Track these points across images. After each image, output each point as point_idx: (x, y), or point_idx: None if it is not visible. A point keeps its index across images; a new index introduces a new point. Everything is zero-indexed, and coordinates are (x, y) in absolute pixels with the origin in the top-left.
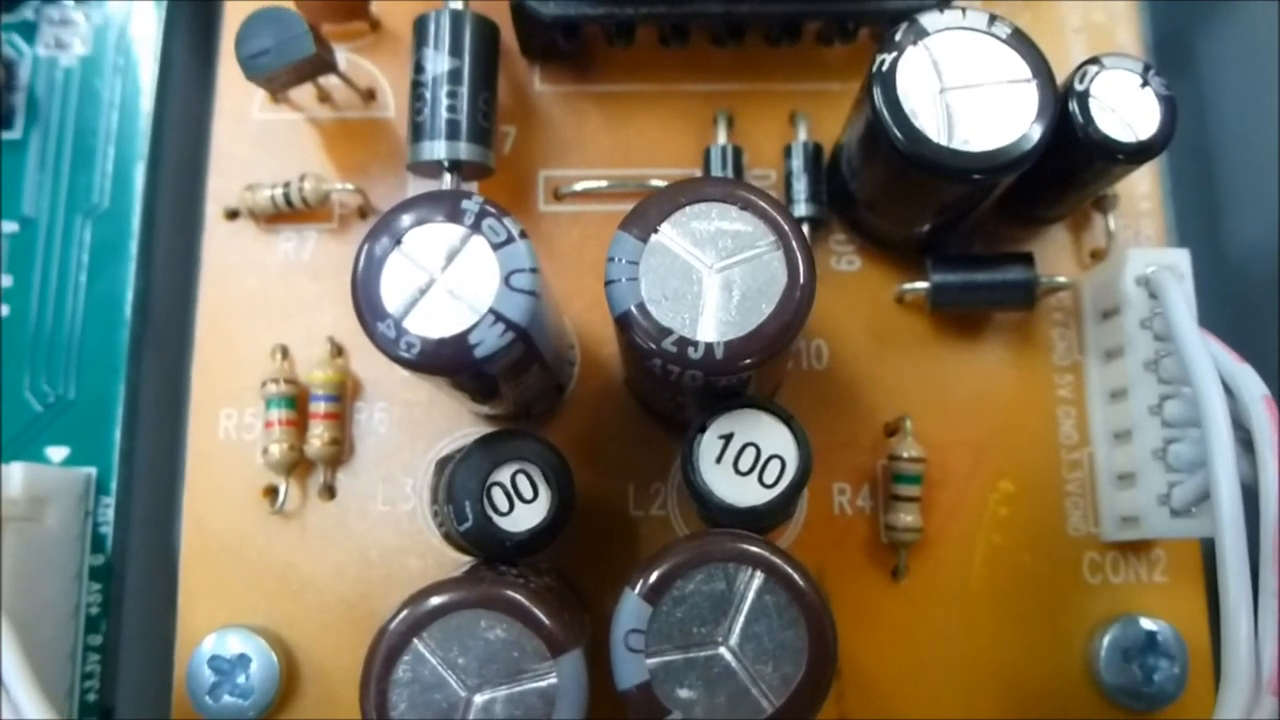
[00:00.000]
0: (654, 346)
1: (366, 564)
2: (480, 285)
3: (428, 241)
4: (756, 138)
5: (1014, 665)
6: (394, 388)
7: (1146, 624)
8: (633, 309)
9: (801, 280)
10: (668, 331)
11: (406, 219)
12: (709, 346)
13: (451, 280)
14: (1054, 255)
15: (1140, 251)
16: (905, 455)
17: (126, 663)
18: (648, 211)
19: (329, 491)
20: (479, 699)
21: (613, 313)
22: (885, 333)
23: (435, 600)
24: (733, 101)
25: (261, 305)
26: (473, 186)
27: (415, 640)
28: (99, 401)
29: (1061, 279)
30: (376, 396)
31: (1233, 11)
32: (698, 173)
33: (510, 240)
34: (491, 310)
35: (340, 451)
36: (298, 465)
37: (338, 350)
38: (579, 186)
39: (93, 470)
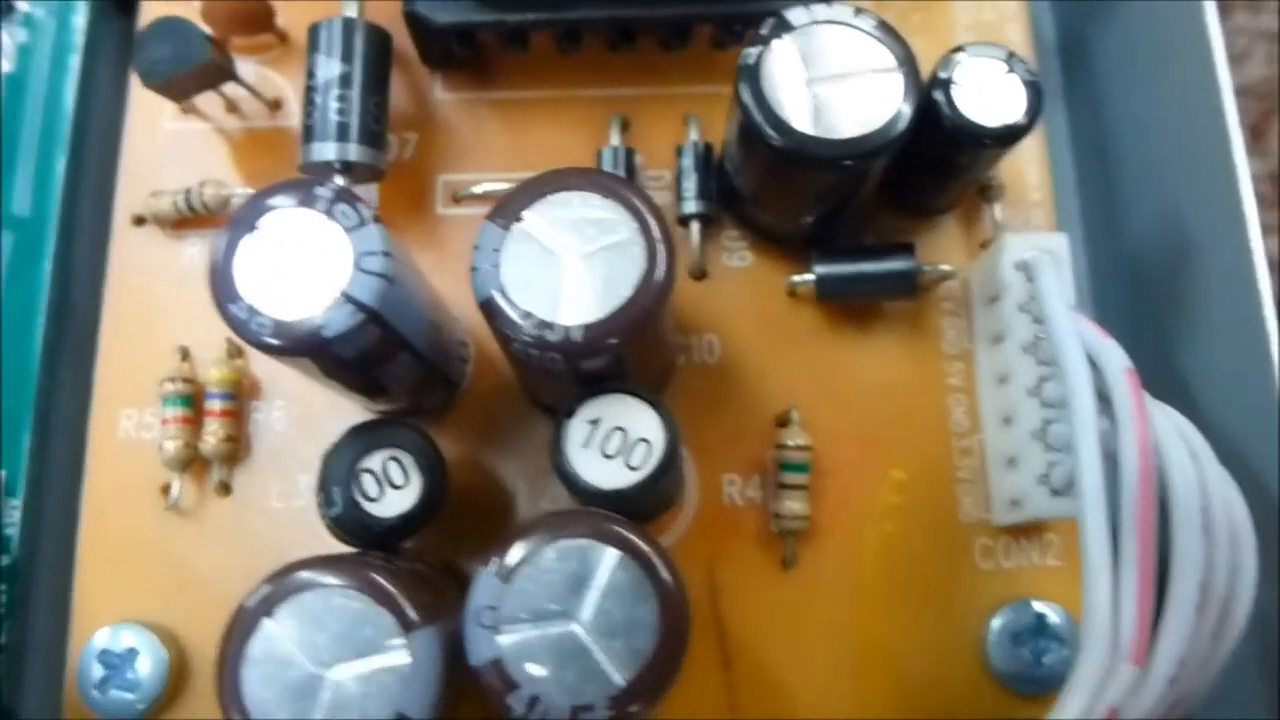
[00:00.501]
0: (514, 331)
1: (260, 559)
2: (332, 268)
3: (283, 227)
4: (652, 140)
5: (907, 651)
6: (292, 387)
7: (1037, 607)
8: (494, 294)
9: (660, 266)
10: (527, 315)
11: (262, 206)
12: (567, 330)
13: (305, 263)
14: (946, 246)
15: (1018, 237)
16: (791, 444)
17: (31, 663)
18: (512, 201)
19: (225, 488)
20: (331, 675)
21: (476, 299)
22: (777, 326)
23: (290, 578)
24: (629, 106)
25: (166, 308)
26: (371, 189)
27: (267, 618)
28: (10, 406)
29: (945, 267)
30: (274, 395)
31: (1122, 11)
32: None
33: (362, 224)
34: (342, 292)
35: (235, 449)
36: (192, 462)
37: (237, 351)
38: (476, 190)
39: (1, 473)
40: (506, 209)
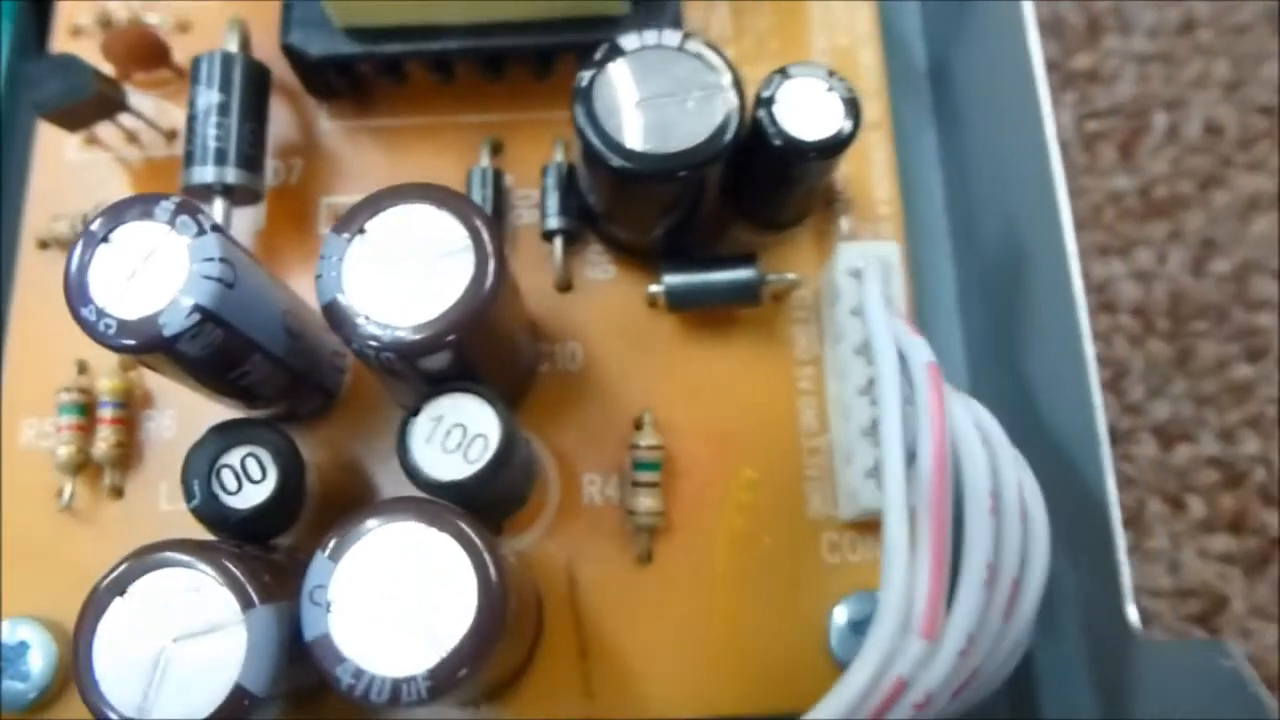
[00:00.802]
0: (353, 332)
1: None
2: (173, 273)
3: (132, 238)
4: (525, 162)
5: (756, 641)
6: (182, 398)
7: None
8: (336, 298)
9: (489, 273)
10: (366, 318)
11: (113, 219)
12: (401, 330)
13: (151, 270)
14: (800, 257)
15: (853, 245)
16: (644, 444)
17: None
18: (355, 213)
19: (117, 492)
20: (176, 650)
21: (319, 303)
22: (637, 335)
23: (141, 560)
24: (503, 130)
25: (66, 325)
26: (257, 213)
27: (119, 596)
28: None
29: (791, 276)
30: (165, 405)
31: (974, 41)
32: None
33: (202, 233)
34: (179, 293)
35: (126, 454)
36: (85, 467)
37: (131, 364)
38: None
39: None
40: (349, 221)
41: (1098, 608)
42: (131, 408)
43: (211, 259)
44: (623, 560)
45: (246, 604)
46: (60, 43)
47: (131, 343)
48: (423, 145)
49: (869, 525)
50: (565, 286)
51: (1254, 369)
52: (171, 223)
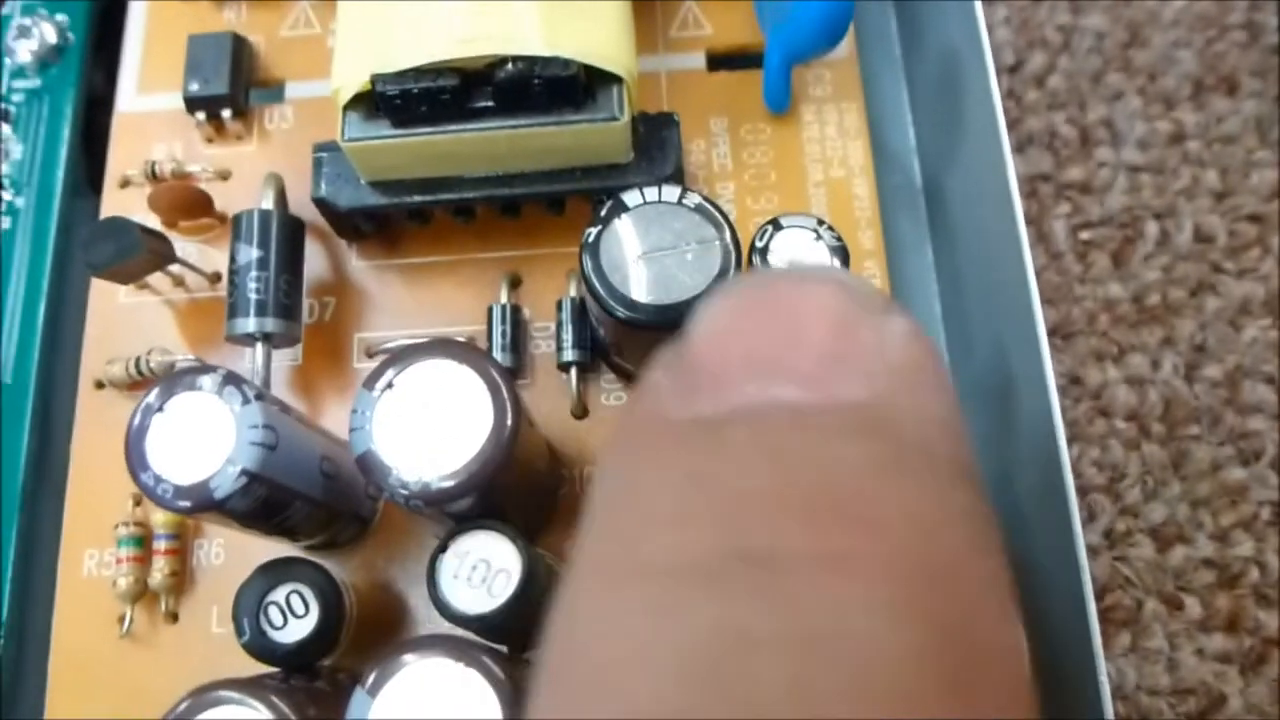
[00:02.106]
0: (385, 483)
1: (202, 677)
2: (221, 440)
3: (184, 407)
4: (541, 296)
5: None
6: (229, 529)
7: None
8: (369, 450)
9: (508, 423)
10: (395, 470)
11: (167, 391)
12: (425, 483)
13: (201, 437)
14: None
15: None
16: None
17: None
18: (384, 371)
19: (173, 617)
20: None
21: (354, 455)
22: None
23: (199, 698)
24: (521, 264)
25: (122, 462)
26: (295, 350)
27: None
28: None
29: None
30: (215, 535)
31: (962, 162)
32: (483, 327)
33: (247, 402)
34: (228, 460)
35: (180, 582)
36: (143, 595)
37: None
38: (386, 346)
39: None
40: (378, 377)
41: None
42: (184, 538)
43: (255, 426)
44: None
45: None
46: (110, 195)
47: (187, 504)
48: (446, 281)
49: None
50: (581, 414)
51: (1247, 472)
52: (219, 393)
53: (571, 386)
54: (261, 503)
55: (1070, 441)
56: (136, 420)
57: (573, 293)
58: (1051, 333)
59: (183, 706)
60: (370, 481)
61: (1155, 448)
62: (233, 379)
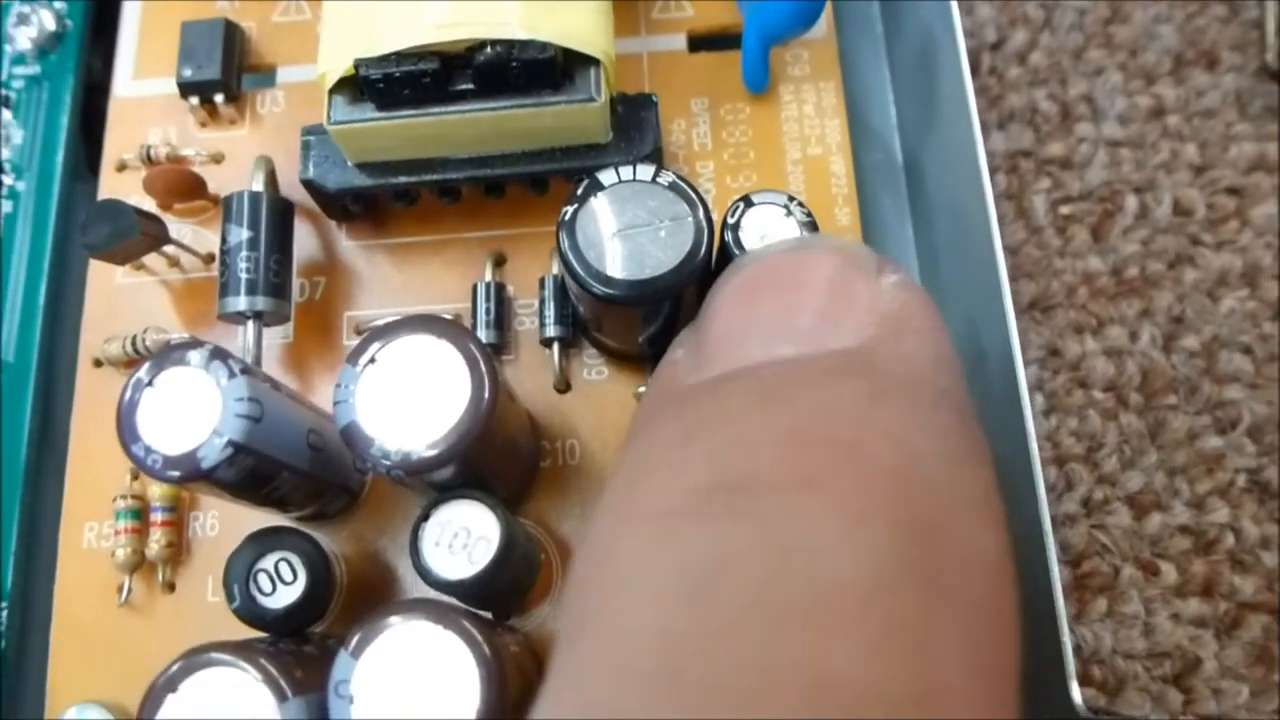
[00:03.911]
0: (367, 454)
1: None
2: (209, 412)
3: (173, 382)
4: (525, 274)
5: None
6: (223, 502)
7: None
8: (352, 422)
9: (485, 396)
10: (377, 441)
11: (156, 366)
12: (406, 454)
13: (189, 410)
14: None
15: None
16: None
17: None
18: (367, 346)
19: (170, 587)
20: None
21: (337, 427)
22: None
23: (190, 660)
24: (505, 244)
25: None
26: (286, 328)
27: (170, 693)
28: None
29: None
30: (209, 507)
31: (940, 137)
32: (468, 305)
33: (233, 376)
34: (215, 431)
35: (177, 553)
36: (140, 566)
37: None
38: (374, 324)
39: None
40: (361, 352)
41: (1046, 689)
42: (180, 510)
43: (241, 399)
44: None
45: (281, 697)
46: (107, 178)
47: (175, 474)
48: (433, 260)
49: None
50: (564, 388)
51: (1224, 440)
52: (206, 367)
53: (554, 361)
54: (249, 473)
55: (1049, 412)
56: (128, 394)
57: (555, 270)
58: (1031, 305)
59: (175, 668)
60: (354, 453)
61: (1133, 417)
62: (219, 354)
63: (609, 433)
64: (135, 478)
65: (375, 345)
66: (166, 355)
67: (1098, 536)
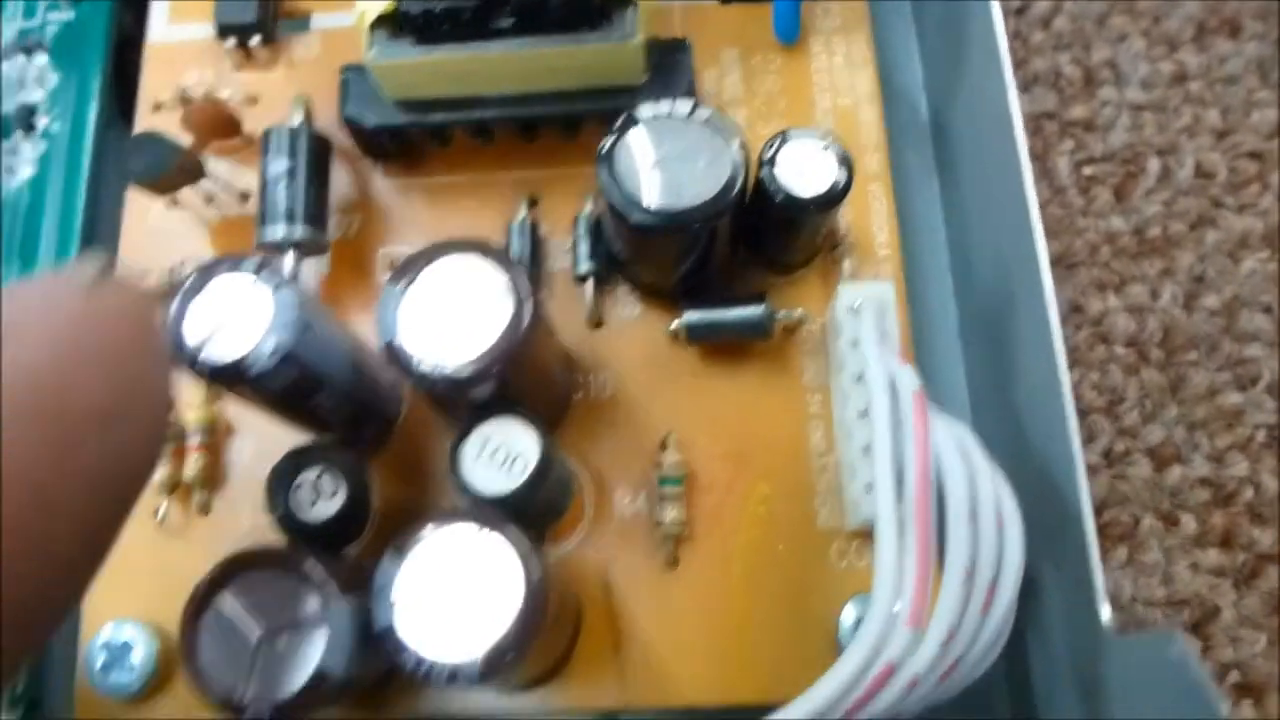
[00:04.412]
0: (410, 369)
1: None
2: (257, 321)
3: (222, 291)
4: (559, 214)
5: (773, 638)
6: (258, 426)
7: None
8: (393, 340)
9: (525, 314)
10: (419, 357)
11: (205, 275)
12: (451, 367)
13: (237, 319)
14: (806, 296)
15: (850, 285)
16: (668, 461)
17: (52, 658)
18: (408, 266)
19: (205, 509)
20: (267, 639)
21: (379, 345)
22: (661, 366)
23: (235, 562)
24: (537, 185)
25: None
26: (322, 261)
27: (216, 595)
28: None
29: (798, 311)
30: (245, 432)
31: (969, 91)
32: (502, 243)
33: (281, 286)
34: (264, 337)
35: (212, 476)
36: (177, 488)
37: (214, 397)
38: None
39: None
40: (402, 272)
41: (1077, 609)
42: (216, 436)
43: (291, 307)
44: (651, 565)
45: (326, 601)
46: (144, 117)
47: (223, 380)
48: (466, 200)
49: (871, 534)
50: (596, 323)
51: (1243, 396)
52: (257, 275)
53: (587, 297)
54: (293, 384)
55: (1070, 366)
56: (176, 302)
57: (588, 209)
58: (1054, 263)
59: (218, 571)
60: (396, 369)
61: (1154, 373)
62: (268, 264)
63: (641, 367)
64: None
65: (417, 265)
66: (217, 264)
67: (1119, 487)
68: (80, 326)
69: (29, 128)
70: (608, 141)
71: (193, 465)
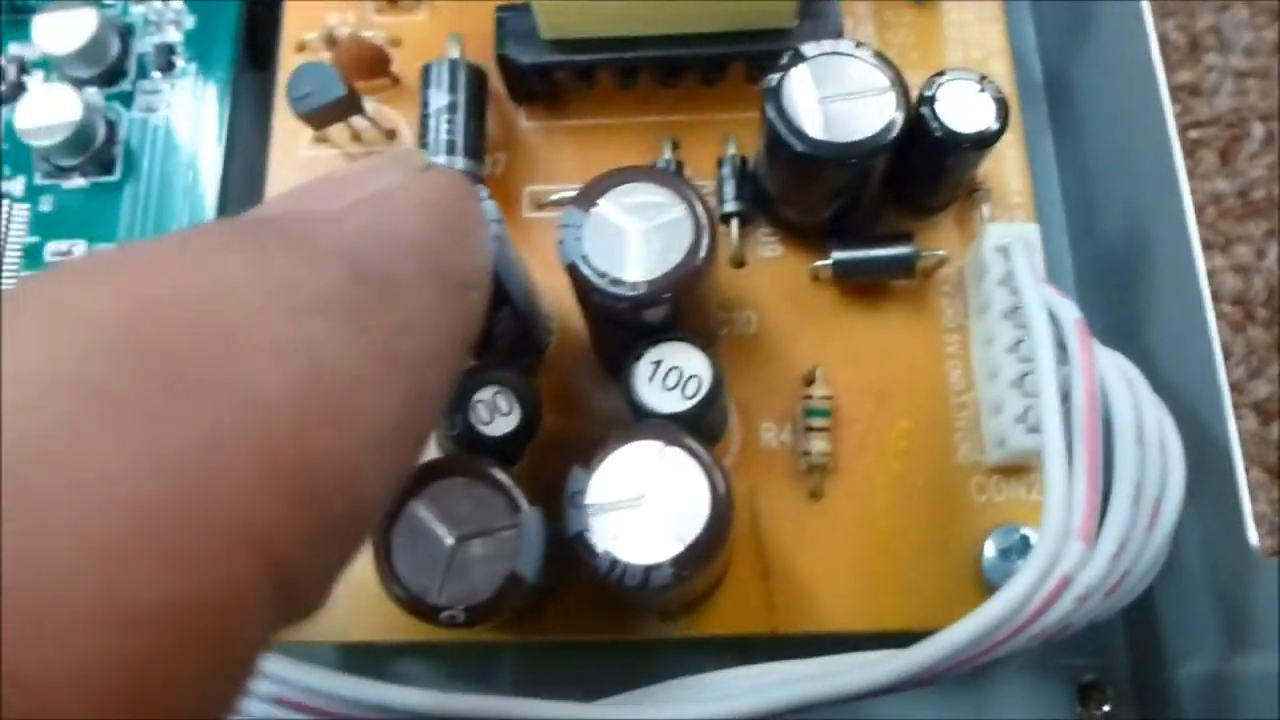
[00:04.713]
0: (592, 287)
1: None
2: None
3: None
4: (698, 157)
5: (915, 568)
6: None
7: (1023, 530)
8: (578, 260)
9: (705, 236)
10: (602, 274)
11: None
12: (634, 284)
13: None
14: (944, 239)
15: (999, 226)
16: (816, 395)
17: None
18: (590, 190)
19: None
20: (460, 544)
21: (562, 263)
22: (803, 304)
23: (427, 470)
24: (678, 129)
25: None
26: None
27: (409, 502)
28: None
29: (940, 251)
30: None
31: (1091, 56)
32: None
33: (485, 198)
34: None
35: None
36: None
37: None
38: (554, 197)
39: None
40: (585, 196)
41: (1219, 537)
42: None
43: (491, 220)
44: (796, 496)
45: (516, 506)
46: (287, 57)
47: None
48: (607, 142)
49: (1011, 470)
50: (740, 263)
51: None
52: None
53: (732, 237)
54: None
55: None
56: None
57: (731, 150)
58: None
59: (414, 480)
60: (576, 289)
61: (1260, 330)
62: (470, 175)
63: (783, 306)
64: None
65: (598, 190)
66: None
67: None
68: (439, 198)
69: (168, 67)
70: (774, 77)
71: None
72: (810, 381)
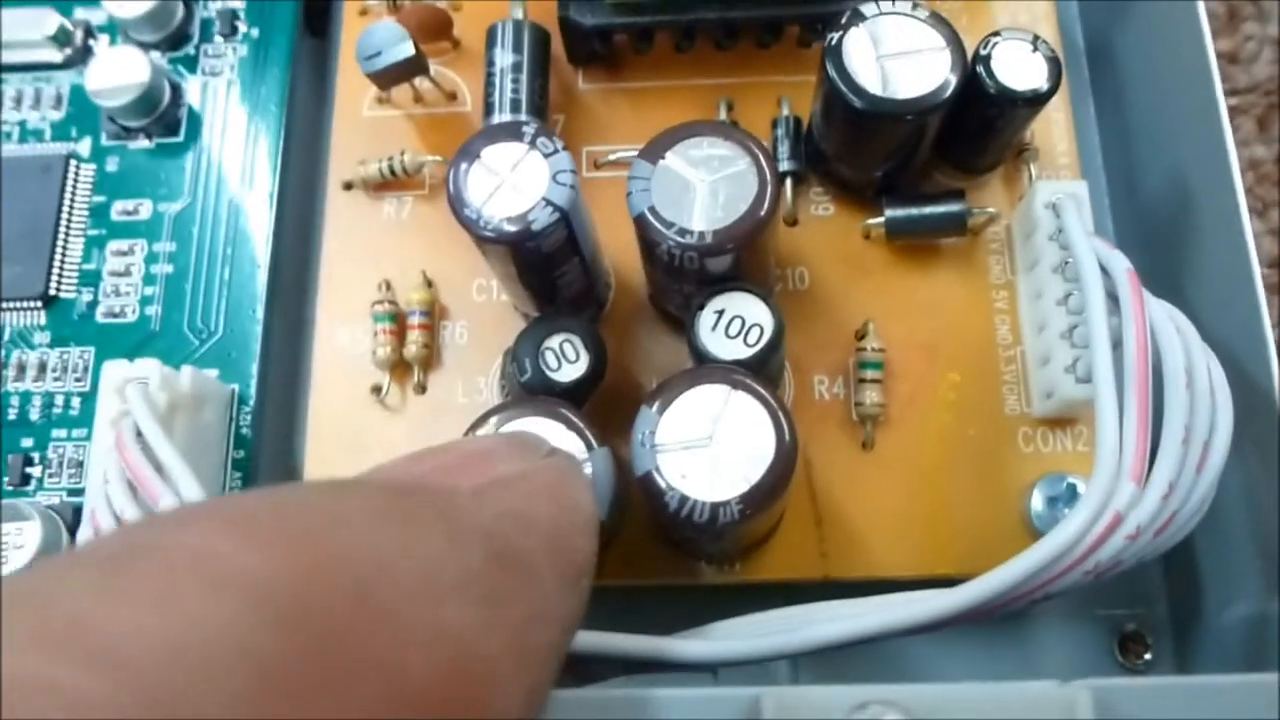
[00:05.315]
0: (660, 236)
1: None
2: (535, 182)
3: (498, 155)
4: (752, 119)
5: (965, 516)
6: (471, 311)
7: (1070, 479)
8: (646, 210)
9: (769, 188)
10: (671, 224)
11: (482, 141)
12: (701, 234)
13: (515, 180)
14: (992, 198)
15: (1047, 183)
16: (869, 347)
17: None
18: (657, 144)
19: (421, 388)
20: None
21: (632, 214)
22: (855, 261)
23: (504, 412)
24: (732, 92)
25: (369, 254)
26: None
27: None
28: (240, 336)
29: (990, 209)
30: (458, 317)
31: (1136, 20)
32: None
33: (555, 151)
34: (543, 197)
35: (430, 355)
36: (398, 366)
37: (428, 282)
38: (612, 157)
39: (236, 386)
40: (653, 150)
41: (1262, 490)
42: (433, 317)
43: (564, 170)
44: (849, 446)
45: (588, 445)
46: (351, 20)
47: (507, 235)
48: (663, 104)
49: (1057, 421)
50: (793, 221)
51: None
52: (533, 143)
53: (786, 195)
54: (559, 246)
55: None
56: (457, 165)
57: (785, 112)
58: None
59: (491, 420)
60: (645, 239)
61: None
62: (545, 131)
63: (835, 263)
64: (387, 288)
65: (665, 143)
66: (495, 130)
67: None
68: (562, 483)
69: (231, 31)
70: (834, 36)
71: (413, 344)
72: (862, 335)
